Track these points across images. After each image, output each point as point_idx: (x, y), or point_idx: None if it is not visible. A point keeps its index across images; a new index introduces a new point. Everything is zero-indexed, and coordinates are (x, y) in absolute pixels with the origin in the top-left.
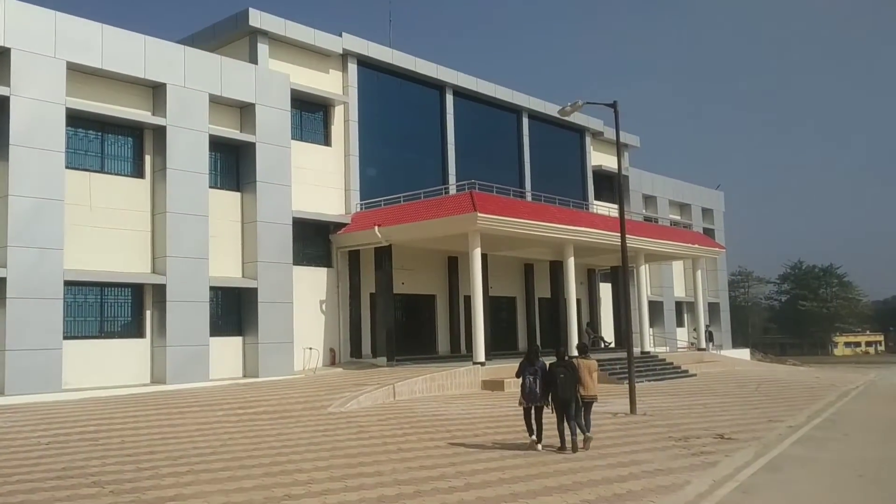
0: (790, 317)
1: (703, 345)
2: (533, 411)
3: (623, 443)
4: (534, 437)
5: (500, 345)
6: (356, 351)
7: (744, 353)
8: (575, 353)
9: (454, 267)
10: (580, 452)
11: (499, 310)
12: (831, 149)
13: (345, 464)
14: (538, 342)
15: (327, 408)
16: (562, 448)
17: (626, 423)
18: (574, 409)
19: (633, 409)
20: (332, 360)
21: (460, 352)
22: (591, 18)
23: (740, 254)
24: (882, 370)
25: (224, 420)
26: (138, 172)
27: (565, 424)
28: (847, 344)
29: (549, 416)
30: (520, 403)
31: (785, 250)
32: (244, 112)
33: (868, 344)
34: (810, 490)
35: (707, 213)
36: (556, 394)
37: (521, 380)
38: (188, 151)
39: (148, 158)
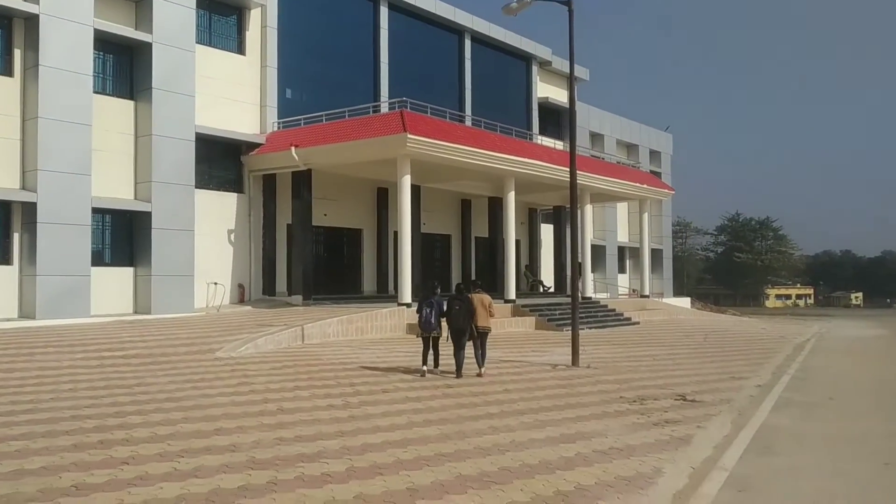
0: (725, 268)
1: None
2: (431, 342)
3: (566, 405)
4: (425, 366)
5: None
6: (269, 288)
7: (684, 302)
8: None
9: (384, 199)
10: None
11: (432, 248)
12: (775, 103)
13: (195, 431)
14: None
15: (215, 352)
16: (458, 373)
17: (568, 377)
18: (470, 338)
19: (575, 361)
20: (241, 297)
21: (387, 292)
22: None
23: (679, 204)
24: (823, 322)
25: (80, 365)
26: (6, 70)
27: (459, 352)
28: (778, 296)
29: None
30: (418, 334)
31: (723, 202)
32: (140, 7)
33: (798, 297)
34: (832, 487)
35: (654, 155)
36: (450, 323)
37: (419, 314)
38: (67, 47)
39: (18, 53)
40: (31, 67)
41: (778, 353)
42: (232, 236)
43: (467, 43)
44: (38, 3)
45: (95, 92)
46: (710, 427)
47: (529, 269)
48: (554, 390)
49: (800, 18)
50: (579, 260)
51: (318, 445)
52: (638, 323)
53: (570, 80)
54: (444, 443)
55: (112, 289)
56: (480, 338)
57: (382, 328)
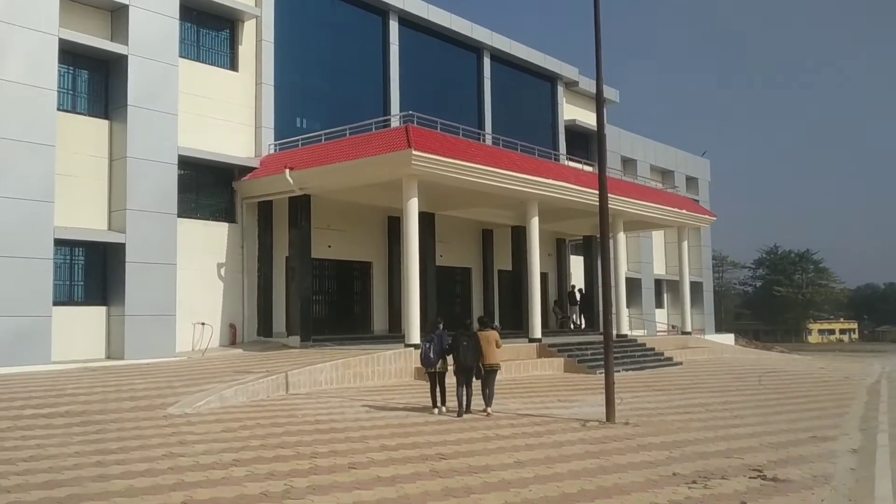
0: (764, 302)
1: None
2: (437, 379)
3: (597, 488)
4: (436, 408)
5: (451, 324)
6: (265, 328)
7: (728, 339)
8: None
9: (395, 229)
10: None
11: (451, 282)
12: (814, 131)
13: None
14: (496, 319)
15: (168, 408)
16: (460, 413)
17: (601, 439)
18: (478, 376)
19: (610, 416)
20: (233, 338)
21: (400, 332)
22: None
23: (714, 236)
24: (882, 359)
25: None
26: None
27: (464, 390)
28: (821, 331)
29: None
30: (423, 372)
31: (760, 235)
32: (116, 16)
33: (842, 332)
34: None
35: (691, 182)
36: (458, 360)
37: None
38: (26, 59)
39: None
40: None
41: (853, 398)
42: (222, 271)
43: (486, 61)
44: None
45: (62, 110)
46: None
47: (558, 305)
48: (582, 461)
49: (848, 40)
50: (612, 293)
51: None
52: (680, 363)
53: (598, 71)
54: None
55: (80, 331)
56: (487, 376)
57: (386, 373)
